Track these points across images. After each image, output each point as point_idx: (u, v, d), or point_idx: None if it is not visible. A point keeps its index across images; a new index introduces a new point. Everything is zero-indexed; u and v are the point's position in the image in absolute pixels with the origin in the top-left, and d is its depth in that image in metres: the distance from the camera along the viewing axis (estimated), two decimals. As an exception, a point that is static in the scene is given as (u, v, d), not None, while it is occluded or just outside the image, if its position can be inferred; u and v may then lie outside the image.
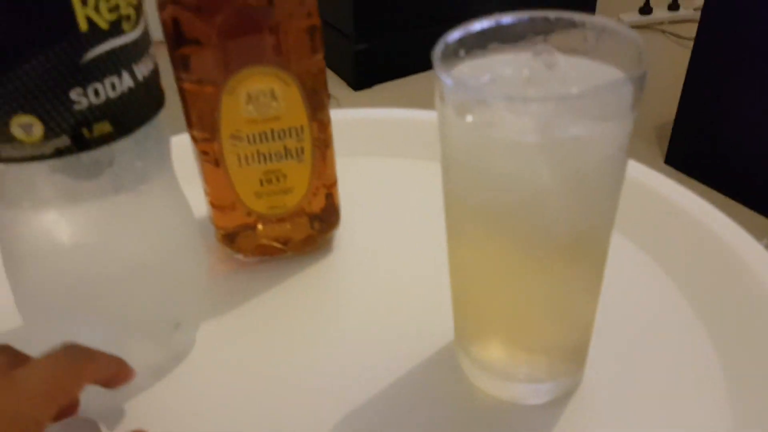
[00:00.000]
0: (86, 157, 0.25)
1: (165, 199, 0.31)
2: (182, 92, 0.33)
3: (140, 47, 0.26)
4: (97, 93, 0.24)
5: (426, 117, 0.50)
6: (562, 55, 0.26)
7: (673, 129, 1.52)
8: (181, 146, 0.34)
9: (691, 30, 2.07)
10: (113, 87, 0.25)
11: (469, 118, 0.24)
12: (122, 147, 0.26)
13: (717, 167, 1.44)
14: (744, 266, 0.35)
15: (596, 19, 0.26)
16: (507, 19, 0.27)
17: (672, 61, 1.93)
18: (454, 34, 0.26)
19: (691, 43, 1.98)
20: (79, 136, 0.25)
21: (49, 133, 0.24)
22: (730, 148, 1.41)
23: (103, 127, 0.25)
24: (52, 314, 0.31)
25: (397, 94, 1.83)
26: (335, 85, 1.85)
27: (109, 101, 0.25)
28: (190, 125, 0.35)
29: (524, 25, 0.27)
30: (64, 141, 0.24)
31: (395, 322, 0.35)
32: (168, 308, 0.33)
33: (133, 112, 0.26)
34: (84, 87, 0.24)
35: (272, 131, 0.34)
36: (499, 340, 0.30)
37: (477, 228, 0.26)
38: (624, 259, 0.38)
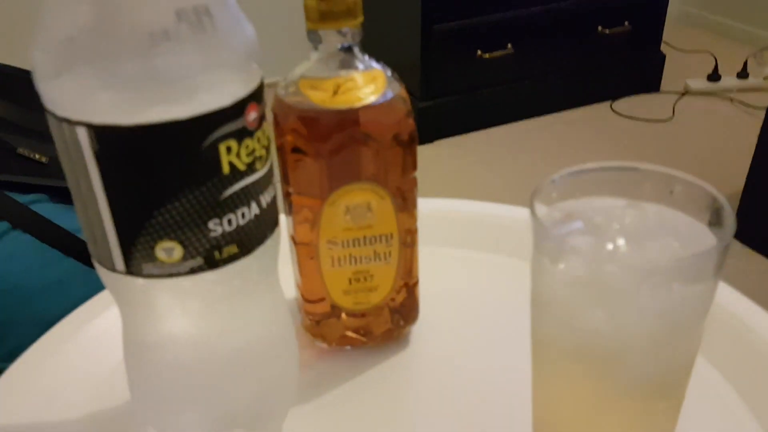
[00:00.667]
0: (213, 274, 0.29)
1: (269, 300, 0.35)
2: (289, 203, 0.37)
3: (267, 179, 0.29)
4: (230, 222, 0.28)
5: (514, 214, 0.52)
6: (650, 205, 0.28)
7: (740, 201, 1.49)
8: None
9: (760, 98, 2.04)
10: (243, 216, 0.28)
11: (562, 266, 0.26)
12: (244, 263, 0.30)
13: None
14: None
15: (683, 175, 0.28)
16: (598, 166, 0.29)
17: (740, 130, 1.91)
18: (548, 182, 0.28)
19: (759, 112, 1.96)
20: (211, 257, 0.28)
21: (187, 256, 0.28)
22: (801, 227, 1.37)
23: (231, 249, 0.28)
24: (160, 401, 0.34)
25: (456, 150, 1.87)
26: (398, 139, 1.90)
27: (238, 228, 0.28)
28: (292, 229, 0.38)
29: (614, 173, 0.29)
30: (198, 262, 0.28)
31: (470, 429, 0.37)
32: (262, 399, 0.36)
33: (257, 235, 0.29)
34: (221, 218, 0.27)
35: (365, 238, 0.37)
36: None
37: (563, 365, 0.28)
38: (703, 385, 0.38)
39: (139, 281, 0.29)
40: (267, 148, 0.29)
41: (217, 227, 0.27)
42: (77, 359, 0.42)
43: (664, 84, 2.14)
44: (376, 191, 0.36)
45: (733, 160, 1.71)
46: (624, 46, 2.00)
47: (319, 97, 0.33)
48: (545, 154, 1.83)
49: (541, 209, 0.27)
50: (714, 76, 2.11)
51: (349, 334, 0.41)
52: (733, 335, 0.40)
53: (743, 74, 2.10)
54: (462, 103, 1.89)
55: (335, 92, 0.33)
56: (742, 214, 1.49)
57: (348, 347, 0.42)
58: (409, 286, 0.41)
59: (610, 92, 2.07)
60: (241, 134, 0.26)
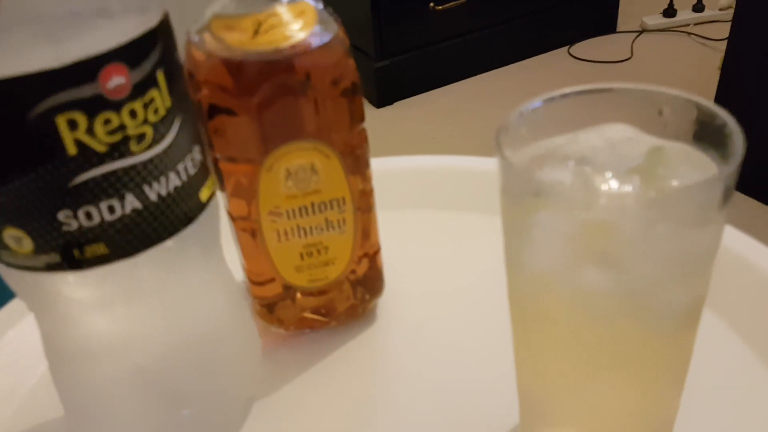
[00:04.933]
0: (76, 275, 0.23)
1: (213, 282, 0.30)
2: (218, 171, 0.31)
3: (159, 165, 0.23)
4: (89, 216, 0.22)
5: (476, 165, 0.48)
6: (635, 131, 0.24)
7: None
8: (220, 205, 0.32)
9: (717, 31, 2.02)
10: (111, 210, 0.22)
11: (540, 217, 0.21)
12: (122, 267, 0.24)
13: (754, 174, 1.39)
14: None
15: (671, 91, 0.23)
16: (571, 91, 0.24)
17: (699, 64, 1.89)
18: (516, 116, 0.24)
19: (717, 44, 1.94)
20: (69, 255, 0.23)
21: (38, 249, 0.22)
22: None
23: (97, 249, 0.23)
24: (94, 412, 0.29)
25: (418, 109, 1.81)
26: (356, 103, 1.83)
27: (105, 224, 0.22)
28: (226, 202, 0.33)
29: (588, 97, 0.24)
30: (53, 258, 0.23)
31: (448, 404, 0.33)
32: (216, 392, 0.31)
33: (140, 234, 0.23)
34: (74, 210, 0.22)
35: (313, 205, 0.32)
36: (571, 434, 0.27)
37: (548, 330, 0.24)
38: (714, 340, 0.34)
39: (4, 268, 0.24)
40: (157, 125, 0.23)
41: (70, 221, 0.22)
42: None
43: (621, 24, 2.11)
44: (320, 150, 0.31)
45: (694, 94, 1.69)
46: (578, -13, 1.95)
47: (237, 39, 0.28)
48: (508, 105, 1.79)
49: (510, 151, 0.23)
50: (670, 12, 2.08)
51: (308, 315, 0.37)
52: (745, 283, 0.37)
53: (699, 7, 2.08)
54: (419, 60, 1.82)
55: (256, 31, 0.28)
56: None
57: (308, 330, 0.38)
58: (369, 255, 0.36)
59: (567, 36, 2.03)
60: (94, 105, 0.20)
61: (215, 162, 0.31)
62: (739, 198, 1.41)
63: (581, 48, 2.02)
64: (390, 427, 0.32)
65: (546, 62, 1.97)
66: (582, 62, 1.95)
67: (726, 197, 0.21)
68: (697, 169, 0.22)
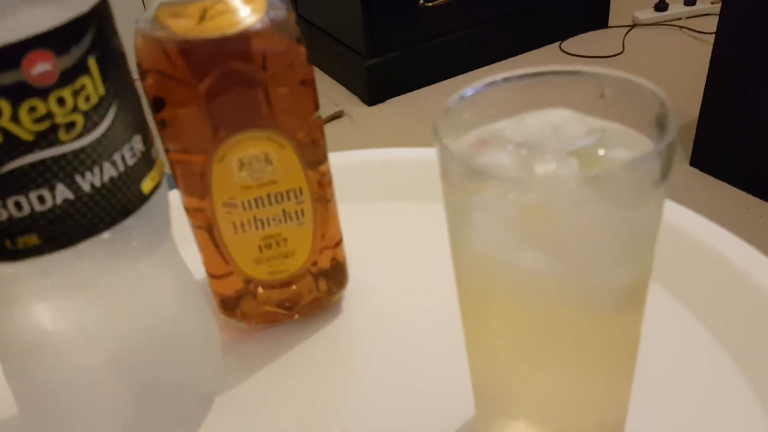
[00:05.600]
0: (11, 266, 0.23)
1: (164, 275, 0.29)
2: (170, 162, 0.31)
3: (92, 155, 0.23)
4: (19, 206, 0.22)
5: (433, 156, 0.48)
6: (576, 115, 0.23)
7: (697, 129, 1.47)
8: (178, 203, 0.32)
9: (709, 24, 2.01)
10: (41, 200, 0.22)
11: (477, 199, 0.21)
12: (59, 259, 0.24)
13: (745, 167, 1.39)
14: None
15: (614, 72, 0.23)
16: (512, 75, 0.24)
17: (691, 58, 1.88)
18: (456, 99, 0.23)
19: (709, 38, 1.93)
20: (1, 246, 0.22)
21: None
22: (759, 147, 1.36)
23: (29, 240, 0.22)
24: (51, 410, 0.29)
25: (410, 107, 1.81)
26: (349, 101, 1.83)
27: (36, 215, 0.22)
28: (180, 194, 0.33)
29: (532, 81, 0.24)
30: None
31: (411, 395, 0.32)
32: (175, 386, 0.31)
33: (73, 226, 0.23)
34: (2, 199, 0.21)
35: (269, 196, 0.32)
36: (526, 421, 0.27)
37: (493, 313, 0.23)
38: (661, 313, 0.35)
39: None
40: (88, 113, 0.22)
41: None
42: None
43: (612, 19, 2.10)
44: (273, 139, 0.31)
45: (687, 89, 1.69)
46: (568, -18, 1.95)
47: (183, 26, 0.27)
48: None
49: (451, 135, 0.22)
50: (661, 6, 2.07)
51: (271, 309, 0.36)
52: (690, 257, 0.36)
53: (690, 0, 2.07)
54: (410, 58, 1.82)
55: (202, 18, 0.27)
56: (699, 141, 1.47)
57: (272, 324, 0.37)
58: (330, 247, 0.36)
59: (558, 32, 2.02)
60: (18, 92, 0.20)
61: (167, 152, 0.31)
62: (732, 191, 1.41)
63: (573, 43, 2.01)
64: (354, 417, 0.32)
65: (537, 58, 1.97)
66: (574, 57, 1.95)
67: (663, 175, 0.20)
68: (638, 150, 0.22)
